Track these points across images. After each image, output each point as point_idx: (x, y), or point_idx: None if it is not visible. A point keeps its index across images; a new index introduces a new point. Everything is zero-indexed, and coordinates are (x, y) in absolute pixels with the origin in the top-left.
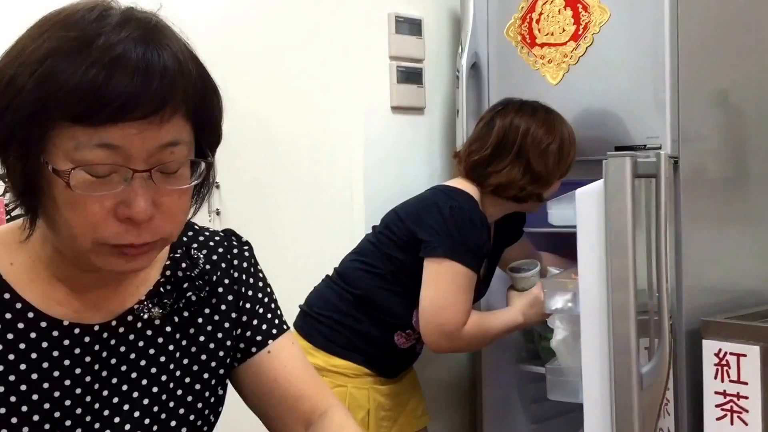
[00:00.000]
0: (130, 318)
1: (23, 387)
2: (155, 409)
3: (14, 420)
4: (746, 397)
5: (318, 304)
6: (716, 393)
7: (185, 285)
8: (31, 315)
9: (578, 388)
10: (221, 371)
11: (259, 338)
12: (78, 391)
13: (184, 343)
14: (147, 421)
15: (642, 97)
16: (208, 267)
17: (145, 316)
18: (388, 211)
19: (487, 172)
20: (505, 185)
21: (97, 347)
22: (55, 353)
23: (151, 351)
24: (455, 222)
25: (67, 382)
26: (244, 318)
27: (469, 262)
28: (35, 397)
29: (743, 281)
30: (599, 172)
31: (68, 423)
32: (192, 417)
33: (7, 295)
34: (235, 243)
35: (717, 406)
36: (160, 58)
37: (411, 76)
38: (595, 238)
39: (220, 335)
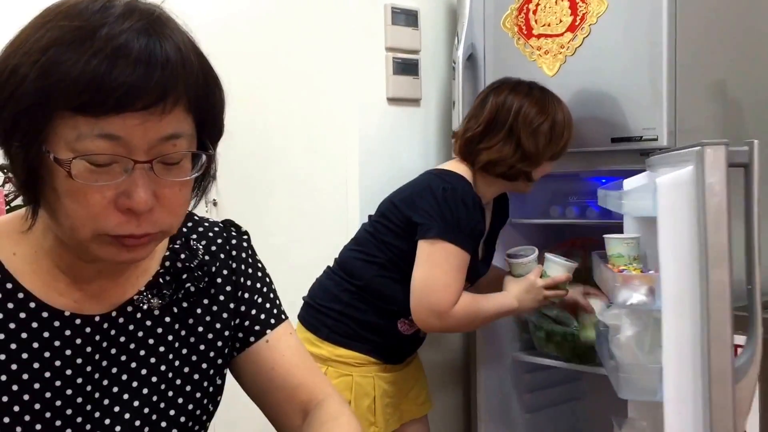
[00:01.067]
0: (129, 309)
1: (25, 376)
2: (154, 398)
3: (16, 408)
4: None
5: (320, 295)
6: None
7: (184, 276)
8: (32, 305)
9: (655, 386)
10: (219, 361)
11: (257, 328)
12: (79, 380)
13: (182, 333)
14: (146, 410)
15: (639, 89)
16: (207, 258)
17: (145, 306)
18: (383, 199)
19: (478, 148)
20: (495, 162)
21: (97, 338)
22: (57, 343)
23: (151, 341)
24: (448, 203)
25: (68, 372)
26: (243, 308)
27: (462, 243)
28: (37, 386)
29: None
30: (596, 163)
31: (69, 412)
32: (190, 406)
33: (9, 285)
34: (234, 233)
35: None
36: (162, 49)
37: (407, 67)
38: (683, 229)
39: (218, 325)
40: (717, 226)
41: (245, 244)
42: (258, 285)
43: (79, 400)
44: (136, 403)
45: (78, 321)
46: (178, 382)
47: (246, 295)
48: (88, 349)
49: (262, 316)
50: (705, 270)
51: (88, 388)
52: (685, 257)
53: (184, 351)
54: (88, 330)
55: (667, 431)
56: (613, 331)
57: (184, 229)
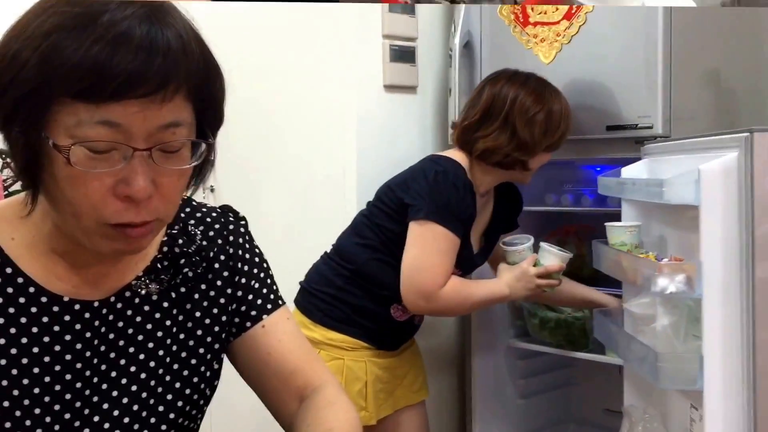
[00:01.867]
0: (127, 294)
1: (24, 360)
2: (152, 383)
3: (16, 392)
4: None
5: (315, 279)
6: None
7: (182, 261)
8: (32, 290)
9: (695, 375)
10: (217, 346)
11: (253, 313)
12: (78, 365)
13: (180, 318)
14: (144, 394)
15: (634, 77)
16: (204, 243)
17: (143, 291)
18: (382, 185)
19: (475, 137)
20: (492, 150)
21: (96, 323)
22: (56, 328)
23: (149, 326)
24: (439, 186)
25: (68, 357)
26: (240, 293)
27: (451, 225)
28: (36, 370)
29: None
30: (591, 151)
31: (68, 396)
32: (188, 391)
33: (8, 270)
34: (231, 219)
35: None
36: (163, 36)
37: (404, 54)
38: (728, 216)
39: (215, 311)
40: (765, 213)
41: (242, 230)
42: (255, 270)
43: (78, 384)
44: (133, 388)
45: (77, 306)
46: (176, 366)
47: (243, 281)
48: (87, 335)
49: (259, 302)
50: (751, 257)
51: (87, 373)
52: (730, 245)
53: (182, 336)
54: (87, 315)
55: (707, 419)
56: (643, 321)
57: (182, 215)
